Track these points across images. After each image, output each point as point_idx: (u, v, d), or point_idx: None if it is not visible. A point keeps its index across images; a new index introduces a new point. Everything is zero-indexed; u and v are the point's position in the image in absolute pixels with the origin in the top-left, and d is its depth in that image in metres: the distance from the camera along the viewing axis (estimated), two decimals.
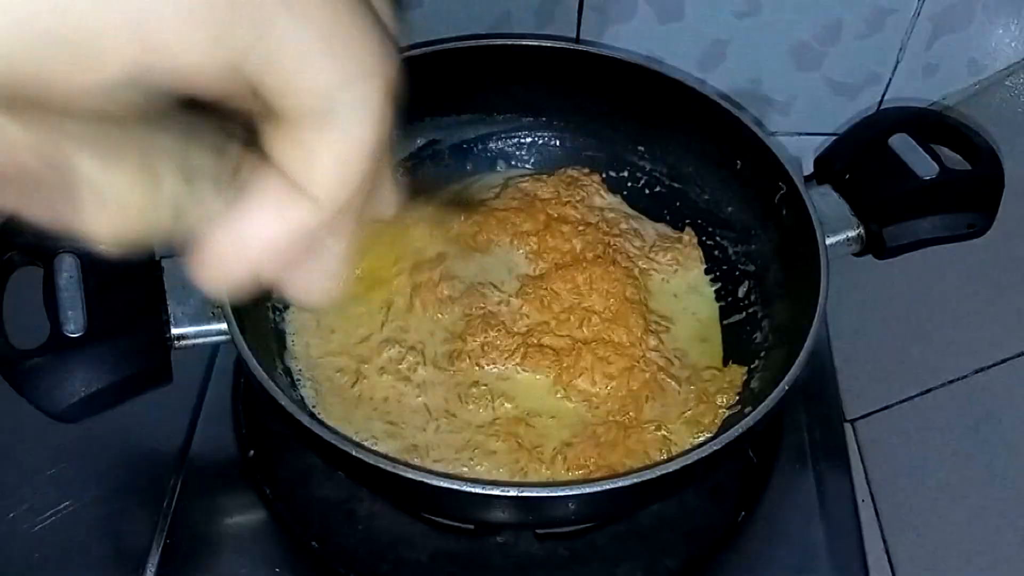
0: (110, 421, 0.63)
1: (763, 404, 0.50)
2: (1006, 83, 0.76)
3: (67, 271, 0.51)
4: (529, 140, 0.74)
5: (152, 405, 0.64)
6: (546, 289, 0.62)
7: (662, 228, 0.70)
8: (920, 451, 0.68)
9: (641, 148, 0.72)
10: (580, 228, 0.66)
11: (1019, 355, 0.64)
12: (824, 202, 0.60)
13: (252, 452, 0.62)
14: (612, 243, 0.66)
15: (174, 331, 0.52)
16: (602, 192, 0.71)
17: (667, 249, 0.67)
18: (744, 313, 0.65)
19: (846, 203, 0.60)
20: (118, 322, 0.51)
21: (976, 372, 0.66)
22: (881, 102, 0.80)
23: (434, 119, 0.71)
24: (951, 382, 0.68)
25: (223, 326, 0.52)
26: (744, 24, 0.74)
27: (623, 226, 0.68)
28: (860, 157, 0.61)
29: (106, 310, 0.51)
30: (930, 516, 0.66)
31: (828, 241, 0.58)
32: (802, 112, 0.81)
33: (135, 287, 0.53)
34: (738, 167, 0.66)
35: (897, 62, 0.77)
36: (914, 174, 0.59)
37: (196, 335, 0.53)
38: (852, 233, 0.60)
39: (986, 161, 0.60)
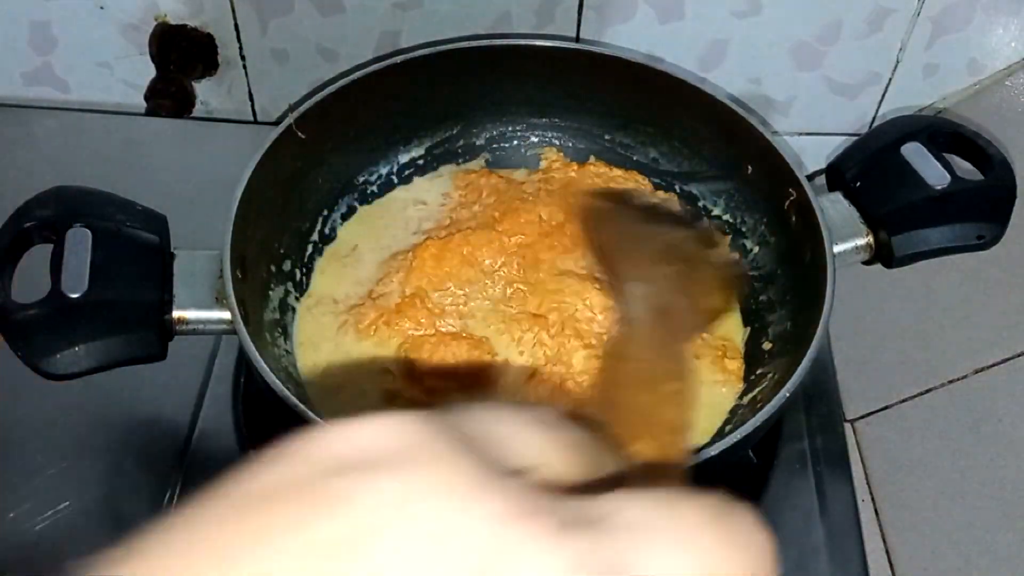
0: (110, 421, 0.63)
1: (763, 411, 0.50)
2: (1006, 83, 0.76)
3: (78, 242, 0.52)
4: (535, 140, 0.74)
5: (153, 405, 0.64)
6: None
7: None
8: (920, 451, 0.68)
9: (652, 151, 0.71)
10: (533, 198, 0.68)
11: (1019, 355, 0.64)
12: (834, 209, 0.60)
13: (252, 452, 0.62)
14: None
15: (176, 313, 0.52)
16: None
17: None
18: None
19: (856, 211, 0.60)
20: (119, 290, 0.51)
21: (976, 372, 0.66)
22: (881, 102, 0.80)
23: (435, 122, 0.71)
24: (951, 382, 0.68)
25: (226, 315, 0.52)
26: (744, 24, 0.74)
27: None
28: (871, 165, 0.61)
29: (109, 279, 0.51)
30: (930, 516, 0.66)
31: (837, 249, 0.58)
32: (802, 112, 0.81)
33: (143, 266, 0.53)
34: (748, 172, 0.66)
35: (897, 62, 0.77)
36: (925, 183, 0.59)
37: (198, 321, 0.53)
38: (861, 241, 0.59)
39: (998, 172, 0.59)
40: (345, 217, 0.68)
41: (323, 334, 0.62)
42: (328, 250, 0.67)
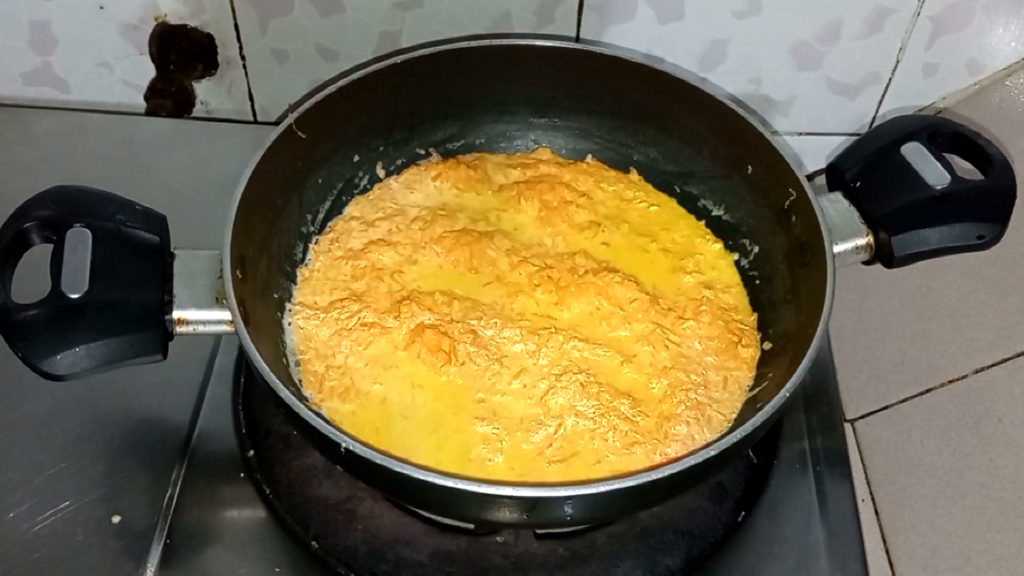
0: (110, 422, 0.63)
1: (763, 411, 0.50)
2: (1006, 83, 0.77)
3: (78, 242, 0.52)
4: (535, 140, 0.74)
5: (152, 406, 0.64)
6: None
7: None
8: (920, 451, 0.68)
9: (652, 151, 0.71)
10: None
11: (1019, 355, 0.64)
12: (834, 209, 0.60)
13: (252, 452, 0.62)
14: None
15: (176, 314, 0.53)
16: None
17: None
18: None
19: (856, 211, 0.60)
20: (119, 290, 0.51)
21: (976, 372, 0.67)
22: (881, 102, 0.80)
23: (435, 122, 0.71)
24: (951, 382, 0.68)
25: (226, 315, 0.52)
26: (744, 24, 0.75)
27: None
28: (871, 165, 0.61)
29: (109, 279, 0.51)
30: (930, 516, 0.66)
31: (837, 249, 0.58)
32: (802, 112, 0.81)
33: (143, 266, 0.53)
34: (748, 172, 0.66)
35: (897, 62, 0.77)
36: (925, 183, 0.59)
37: (198, 321, 0.53)
38: (861, 241, 0.59)
39: (998, 172, 0.59)
40: (338, 213, 0.68)
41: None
42: (321, 244, 0.67)
